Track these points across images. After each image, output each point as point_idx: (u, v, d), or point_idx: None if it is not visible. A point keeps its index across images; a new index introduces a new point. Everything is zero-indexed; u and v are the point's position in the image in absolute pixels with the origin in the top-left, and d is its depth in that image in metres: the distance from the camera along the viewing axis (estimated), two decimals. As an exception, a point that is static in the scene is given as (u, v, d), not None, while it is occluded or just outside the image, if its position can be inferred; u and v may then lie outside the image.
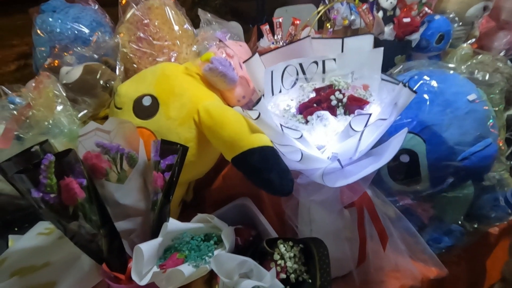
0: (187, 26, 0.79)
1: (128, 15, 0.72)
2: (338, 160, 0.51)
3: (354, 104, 0.59)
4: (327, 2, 0.91)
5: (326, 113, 0.56)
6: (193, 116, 0.61)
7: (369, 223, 0.66)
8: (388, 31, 0.87)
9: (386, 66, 0.66)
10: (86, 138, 0.50)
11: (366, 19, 0.87)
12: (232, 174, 0.79)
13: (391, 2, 0.87)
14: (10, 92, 0.63)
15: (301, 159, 0.52)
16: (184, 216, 0.74)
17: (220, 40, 0.74)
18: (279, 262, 0.51)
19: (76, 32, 0.84)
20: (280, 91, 0.67)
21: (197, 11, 0.84)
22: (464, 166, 0.63)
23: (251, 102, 0.75)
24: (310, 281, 0.50)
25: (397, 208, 0.69)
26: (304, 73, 0.67)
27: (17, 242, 0.58)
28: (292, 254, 0.51)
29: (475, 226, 0.76)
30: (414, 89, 0.64)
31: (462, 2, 0.94)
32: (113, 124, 0.52)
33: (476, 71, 0.75)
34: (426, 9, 0.87)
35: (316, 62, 0.67)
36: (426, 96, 0.66)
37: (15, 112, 0.59)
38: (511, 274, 0.83)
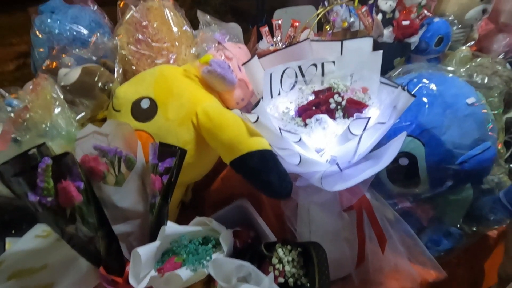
0: (186, 27, 0.78)
1: (127, 17, 0.72)
2: (337, 164, 0.51)
3: (353, 107, 0.59)
4: (326, 4, 0.91)
5: (325, 117, 0.56)
6: (191, 118, 0.61)
7: (368, 225, 0.66)
8: (387, 34, 0.87)
9: (385, 69, 0.66)
10: (83, 141, 0.50)
11: (365, 21, 0.87)
12: (231, 175, 0.79)
13: (390, 5, 0.87)
14: (7, 94, 0.63)
15: (299, 163, 0.52)
16: (183, 217, 0.74)
17: (219, 42, 0.74)
18: (277, 266, 0.51)
19: (74, 33, 0.84)
20: (279, 94, 0.66)
21: (197, 11, 0.84)
22: (463, 169, 0.63)
23: (250, 105, 0.75)
24: (308, 285, 0.50)
25: (396, 210, 0.68)
26: (303, 75, 0.67)
27: (14, 245, 0.58)
28: (290, 258, 0.51)
29: (474, 228, 0.76)
30: (413, 92, 0.64)
31: (461, 5, 0.94)
32: (111, 126, 0.52)
33: (475, 74, 0.75)
34: (425, 11, 0.87)
35: (315, 65, 0.67)
36: (425, 99, 0.66)
37: (12, 114, 0.59)
38: (508, 276, 0.83)
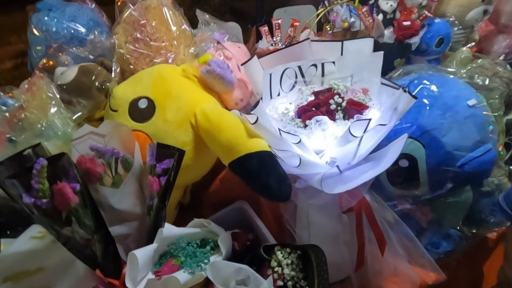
0: (185, 26, 0.77)
1: (125, 15, 0.71)
2: (337, 167, 0.50)
3: (353, 109, 0.59)
4: (327, 4, 0.90)
5: (324, 118, 0.56)
6: (190, 119, 0.60)
7: (368, 227, 0.65)
8: (388, 34, 0.86)
9: (386, 70, 0.65)
10: (79, 142, 0.49)
11: (365, 21, 0.87)
12: (229, 177, 0.78)
13: (391, 5, 0.87)
14: (1, 93, 0.62)
15: (299, 165, 0.51)
16: (181, 219, 0.73)
17: (218, 42, 0.73)
18: (276, 269, 0.50)
19: (72, 31, 0.83)
20: (279, 94, 0.66)
21: (196, 10, 0.83)
22: (463, 172, 0.63)
23: (249, 105, 0.74)
24: (307, 288, 0.50)
25: (395, 212, 0.68)
26: (303, 76, 0.67)
27: (9, 246, 0.57)
28: (289, 261, 0.51)
29: (474, 231, 0.75)
30: (413, 93, 0.63)
31: (462, 6, 0.93)
32: (108, 127, 0.51)
33: (476, 75, 0.75)
34: (426, 12, 0.87)
35: (315, 65, 0.66)
36: (425, 100, 0.65)
37: (7, 114, 0.58)
38: (506, 279, 0.83)
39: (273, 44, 0.88)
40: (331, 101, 0.60)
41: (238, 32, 1.02)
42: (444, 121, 0.63)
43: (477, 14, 0.93)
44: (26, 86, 0.61)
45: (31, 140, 0.53)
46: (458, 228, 0.74)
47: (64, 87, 0.62)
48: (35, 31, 0.83)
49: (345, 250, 0.67)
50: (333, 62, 0.66)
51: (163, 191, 0.50)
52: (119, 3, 0.75)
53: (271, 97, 0.64)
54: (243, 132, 0.55)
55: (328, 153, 0.57)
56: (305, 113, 0.61)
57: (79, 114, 0.61)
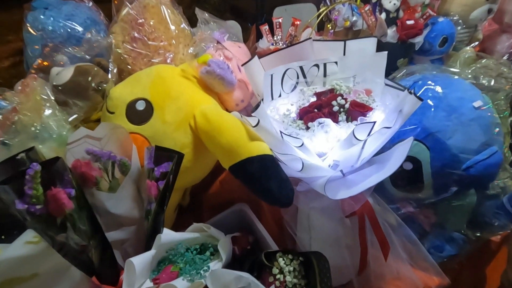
0: (184, 25, 0.76)
1: (122, 14, 0.69)
2: (341, 171, 0.49)
3: (357, 110, 0.57)
4: (328, 3, 0.89)
5: (327, 120, 0.54)
6: (189, 120, 0.59)
7: (370, 230, 0.64)
8: (391, 34, 0.84)
9: (388, 70, 0.64)
10: (75, 146, 0.47)
11: (368, 20, 0.85)
12: (229, 179, 0.77)
13: (394, 4, 0.85)
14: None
15: (302, 169, 0.50)
16: (180, 221, 0.72)
17: (218, 42, 0.72)
18: (278, 276, 0.49)
19: (69, 30, 0.81)
20: (280, 95, 0.65)
21: (195, 8, 0.81)
22: (469, 175, 0.61)
23: (250, 106, 0.72)
24: (310, 295, 0.48)
25: (398, 215, 0.67)
26: (304, 76, 0.66)
27: (4, 252, 0.56)
28: (291, 268, 0.49)
29: (478, 234, 0.74)
30: (418, 94, 0.62)
31: (466, 5, 0.92)
32: (104, 130, 0.49)
33: (482, 76, 0.73)
34: (430, 11, 0.85)
35: (317, 65, 0.65)
36: (430, 102, 0.64)
37: (0, 116, 0.56)
38: (509, 282, 0.82)
39: (274, 44, 0.87)
40: (334, 102, 0.58)
41: (237, 31, 1.00)
42: (449, 123, 0.61)
43: (481, 13, 0.92)
44: (20, 87, 0.60)
45: (25, 143, 0.51)
46: (462, 231, 0.73)
47: (60, 88, 0.60)
48: (31, 30, 0.81)
49: (347, 254, 0.66)
50: (336, 62, 0.64)
51: (161, 196, 0.49)
52: (116, 1, 0.74)
53: (272, 98, 0.63)
54: (244, 135, 0.54)
55: (331, 156, 0.56)
56: (307, 115, 0.59)
57: (75, 116, 0.59)
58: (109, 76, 0.65)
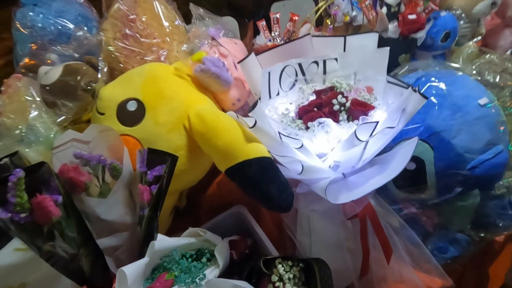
0: (178, 22, 0.73)
1: (112, 10, 0.66)
2: (343, 174, 0.47)
3: (358, 109, 0.55)
4: (327, -4, 0.86)
5: (328, 120, 0.52)
6: (183, 121, 0.56)
7: (372, 233, 0.62)
8: (392, 29, 0.82)
9: (390, 66, 0.61)
10: (60, 150, 0.45)
11: (368, 15, 0.83)
12: (227, 180, 0.73)
13: (395, -3, 0.82)
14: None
15: (302, 172, 0.48)
16: (177, 224, 0.70)
17: (213, 38, 0.69)
18: (277, 284, 0.47)
19: (59, 27, 0.78)
20: (278, 94, 0.62)
21: (190, 4, 0.78)
22: (474, 175, 0.59)
23: (247, 106, 0.70)
24: (310, 304, 0.46)
25: (400, 216, 0.65)
26: (303, 74, 0.63)
27: (-8, 259, 0.53)
28: (291, 275, 0.47)
29: (482, 235, 0.72)
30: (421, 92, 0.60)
31: (469, -2, 0.89)
32: (93, 132, 0.47)
33: (487, 72, 0.71)
34: (432, 5, 0.82)
35: (316, 62, 0.63)
36: (434, 99, 0.61)
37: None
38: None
39: (271, 40, 0.84)
40: (334, 101, 0.56)
41: (234, 27, 0.98)
42: (453, 122, 0.59)
43: (485, 6, 0.89)
44: (3, 88, 0.57)
45: (10, 147, 0.49)
46: (465, 232, 0.71)
47: (48, 87, 0.58)
48: (19, 27, 0.78)
49: (348, 257, 0.64)
50: (336, 59, 0.62)
51: (154, 201, 0.47)
52: (105, -3, 0.71)
53: (270, 97, 0.61)
54: (241, 136, 0.51)
55: (332, 157, 0.53)
56: (306, 114, 0.57)
57: (63, 117, 0.57)
58: (99, 75, 0.63)
